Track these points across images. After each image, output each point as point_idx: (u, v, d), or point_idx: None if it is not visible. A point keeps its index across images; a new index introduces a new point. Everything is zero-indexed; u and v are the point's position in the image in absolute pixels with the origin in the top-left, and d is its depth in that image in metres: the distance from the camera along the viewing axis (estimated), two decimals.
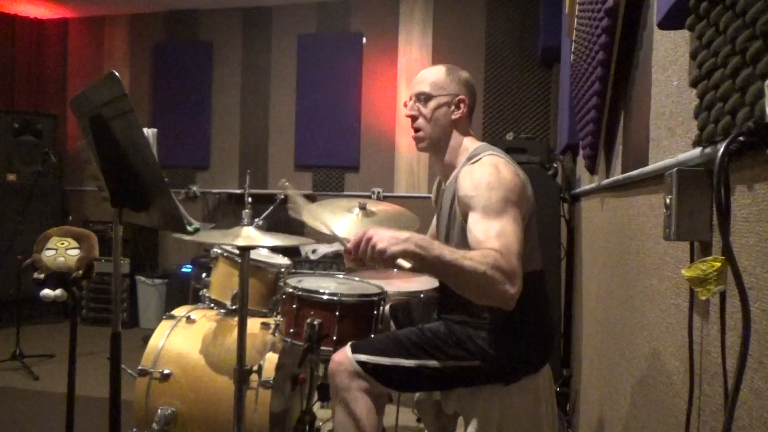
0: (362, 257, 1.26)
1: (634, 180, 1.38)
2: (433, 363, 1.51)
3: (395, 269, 1.30)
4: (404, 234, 1.26)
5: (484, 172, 1.44)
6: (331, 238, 1.59)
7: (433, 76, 1.63)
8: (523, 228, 1.39)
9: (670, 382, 1.08)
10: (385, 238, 1.23)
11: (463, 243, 1.42)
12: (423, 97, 1.62)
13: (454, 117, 1.62)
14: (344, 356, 1.55)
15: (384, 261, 1.23)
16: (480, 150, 1.56)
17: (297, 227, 3.79)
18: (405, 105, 1.69)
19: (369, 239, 1.25)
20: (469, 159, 1.55)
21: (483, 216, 1.37)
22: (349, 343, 1.59)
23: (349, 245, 1.30)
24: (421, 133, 1.64)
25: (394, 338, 1.59)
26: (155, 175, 1.28)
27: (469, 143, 1.63)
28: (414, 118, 1.64)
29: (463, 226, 1.48)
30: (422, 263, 1.25)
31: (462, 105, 1.62)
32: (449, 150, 1.64)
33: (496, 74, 4.49)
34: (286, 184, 1.66)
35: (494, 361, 1.49)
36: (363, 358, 1.53)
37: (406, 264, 1.24)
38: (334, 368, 1.56)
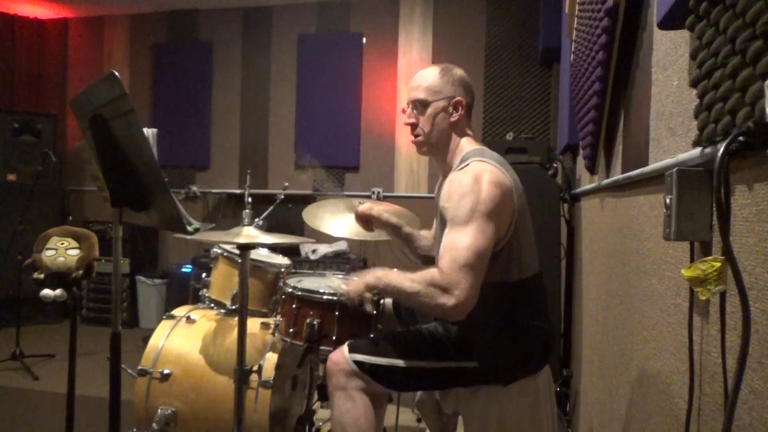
0: (350, 303, 1.58)
1: (634, 180, 1.37)
2: (429, 363, 1.51)
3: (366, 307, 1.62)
4: (366, 272, 1.53)
5: (461, 182, 1.44)
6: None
7: (427, 80, 1.62)
8: (492, 239, 1.39)
9: (670, 382, 1.08)
10: (351, 284, 1.55)
11: None
12: (420, 104, 1.61)
13: (452, 120, 1.61)
14: (341, 356, 1.55)
15: (354, 302, 1.56)
16: (470, 155, 1.54)
17: (297, 227, 3.79)
18: (403, 111, 1.69)
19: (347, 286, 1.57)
20: (460, 163, 1.54)
21: (450, 227, 1.42)
22: (346, 343, 1.59)
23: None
24: (421, 139, 1.64)
25: (391, 338, 1.59)
26: (155, 175, 1.28)
27: (466, 144, 1.62)
28: (413, 126, 1.64)
29: None
30: (382, 292, 1.55)
31: (459, 107, 1.61)
32: (449, 152, 1.64)
33: (496, 74, 4.49)
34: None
35: (491, 362, 1.49)
36: (360, 357, 1.53)
37: (368, 307, 1.61)
38: (332, 368, 1.56)
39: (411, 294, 1.39)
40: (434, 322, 1.64)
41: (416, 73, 1.67)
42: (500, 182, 1.44)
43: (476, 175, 1.43)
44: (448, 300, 1.32)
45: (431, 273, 1.37)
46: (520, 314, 1.54)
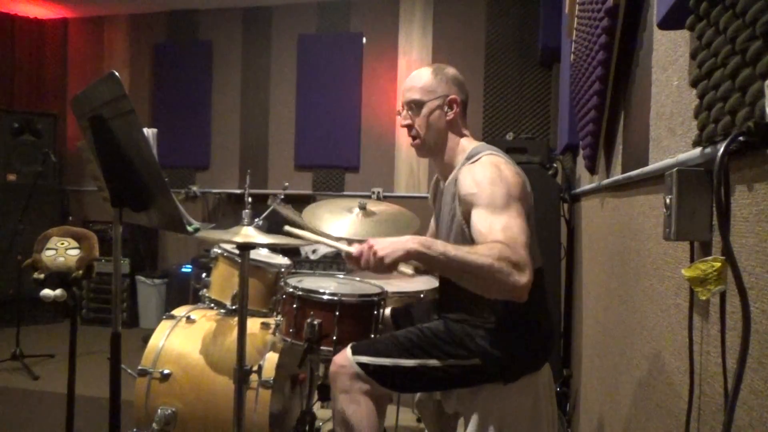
0: (366, 266, 1.33)
1: (634, 180, 1.38)
2: (433, 362, 1.51)
3: (396, 273, 1.36)
4: (404, 237, 1.32)
5: (485, 170, 1.45)
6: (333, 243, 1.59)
7: (421, 81, 1.63)
8: (526, 222, 1.40)
9: (670, 382, 1.08)
10: (387, 247, 1.30)
11: (463, 243, 1.43)
12: (415, 105, 1.62)
13: (448, 118, 1.62)
14: (345, 358, 1.55)
15: (387, 268, 1.30)
16: (479, 150, 1.56)
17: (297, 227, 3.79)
18: (398, 113, 1.69)
19: (370, 248, 1.32)
20: (468, 158, 1.55)
21: (487, 211, 1.38)
22: (350, 345, 1.59)
23: (353, 253, 1.35)
24: (418, 141, 1.65)
25: (394, 339, 1.59)
26: (155, 175, 1.28)
27: (467, 143, 1.63)
28: (410, 127, 1.65)
29: (462, 225, 1.49)
30: (428, 262, 1.30)
31: (454, 105, 1.62)
32: (447, 150, 1.64)
33: (496, 74, 4.49)
34: (280, 200, 1.68)
35: (494, 360, 1.49)
36: (364, 359, 1.52)
37: (408, 270, 1.37)
38: (335, 371, 1.56)
39: (478, 267, 1.24)
40: (437, 320, 1.64)
41: (410, 75, 1.69)
42: (518, 172, 1.49)
43: (495, 163, 1.46)
44: (522, 277, 1.24)
45: (498, 247, 1.26)
46: (523, 308, 1.54)
